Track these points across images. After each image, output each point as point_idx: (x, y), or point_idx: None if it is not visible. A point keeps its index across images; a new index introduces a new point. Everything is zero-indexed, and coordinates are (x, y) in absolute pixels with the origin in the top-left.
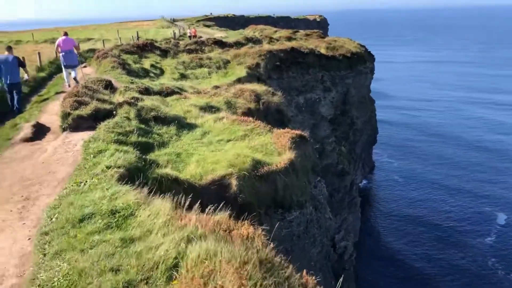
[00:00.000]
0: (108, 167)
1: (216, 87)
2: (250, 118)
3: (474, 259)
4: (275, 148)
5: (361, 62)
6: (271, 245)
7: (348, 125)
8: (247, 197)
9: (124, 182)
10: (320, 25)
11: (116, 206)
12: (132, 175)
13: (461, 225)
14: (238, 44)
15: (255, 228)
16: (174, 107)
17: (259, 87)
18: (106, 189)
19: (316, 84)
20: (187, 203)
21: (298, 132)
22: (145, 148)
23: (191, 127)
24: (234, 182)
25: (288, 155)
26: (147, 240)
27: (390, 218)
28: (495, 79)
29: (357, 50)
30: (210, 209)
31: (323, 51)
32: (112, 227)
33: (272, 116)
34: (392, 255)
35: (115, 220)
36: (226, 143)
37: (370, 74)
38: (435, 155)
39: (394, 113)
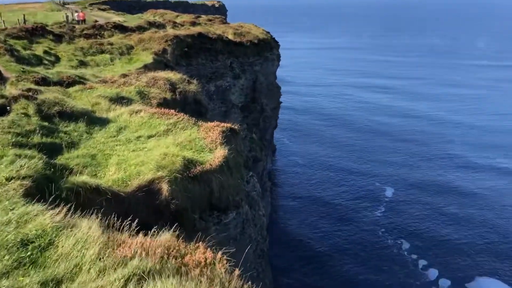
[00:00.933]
0: (8, 179)
1: (125, 75)
2: (172, 111)
3: (367, 231)
4: (205, 144)
5: (268, 48)
6: (236, 271)
7: (259, 112)
8: (181, 202)
9: (33, 198)
10: (219, 11)
11: (27, 234)
12: (41, 187)
13: (356, 202)
14: (140, 29)
15: (213, 252)
16: (79, 99)
17: (173, 75)
18: (10, 209)
19: (226, 71)
20: (114, 217)
21: (228, 125)
22: (52, 150)
23: (103, 122)
24: (164, 186)
25: (221, 152)
26: (77, 281)
27: (294, 200)
28: (384, 64)
29: (264, 36)
30: (152, 230)
31: (231, 37)
32: (25, 265)
33: (189, 107)
34: (298, 238)
35: (28, 254)
36: (147, 140)
37: (277, 61)
38: (330, 138)
39: (292, 98)
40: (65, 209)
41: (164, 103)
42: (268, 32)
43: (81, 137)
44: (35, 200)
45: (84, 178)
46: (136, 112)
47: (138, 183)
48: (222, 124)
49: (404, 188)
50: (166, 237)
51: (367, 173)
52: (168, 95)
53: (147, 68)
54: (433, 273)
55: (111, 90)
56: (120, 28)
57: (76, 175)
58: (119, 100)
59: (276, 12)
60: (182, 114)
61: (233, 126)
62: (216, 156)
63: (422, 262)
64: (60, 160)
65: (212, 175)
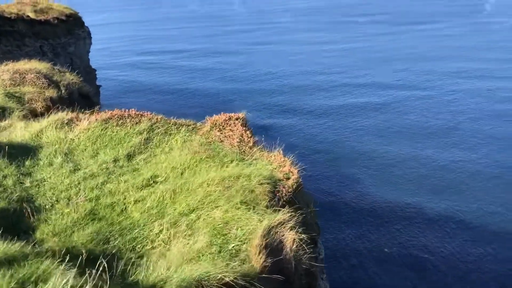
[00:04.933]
0: None
1: None
2: (132, 111)
3: None
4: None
5: (78, 25)
6: None
7: None
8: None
9: None
10: None
11: None
12: None
13: None
14: None
15: None
16: None
17: (38, 64)
18: None
19: (39, 56)
20: None
21: (241, 115)
22: (9, 227)
23: (22, 151)
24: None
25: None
26: None
27: None
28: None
29: (70, 11)
30: None
31: (32, 15)
32: None
33: (78, 104)
34: None
35: None
36: (136, 163)
37: (89, 39)
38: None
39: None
40: None
41: (51, 105)
42: (67, 6)
43: (26, 186)
44: None
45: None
46: (67, 124)
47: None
48: (237, 114)
49: None
50: None
51: None
52: (52, 93)
53: None
54: None
55: None
56: None
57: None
58: None
59: None
60: (148, 113)
61: (242, 115)
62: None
63: None
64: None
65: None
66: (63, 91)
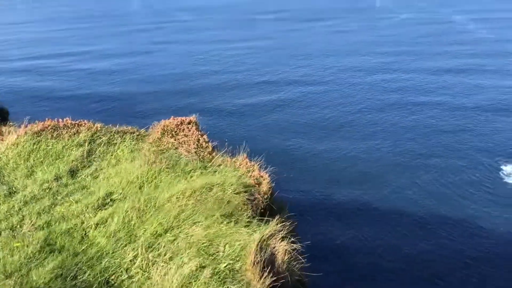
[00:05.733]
0: None
1: None
2: (67, 120)
3: None
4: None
5: None
6: None
7: None
8: None
9: None
10: None
11: None
12: None
13: None
14: None
15: None
16: None
17: None
18: None
19: None
20: None
21: (192, 118)
22: None
23: None
24: None
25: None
26: None
27: None
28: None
29: None
30: None
31: None
32: None
33: None
34: None
35: None
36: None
37: None
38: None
39: None
40: None
41: None
42: None
43: None
44: None
45: None
46: None
47: None
48: (183, 119)
49: None
50: None
51: None
52: None
53: None
54: None
55: None
56: None
57: None
58: None
59: None
60: (86, 121)
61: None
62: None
63: None
64: None
65: None
66: None
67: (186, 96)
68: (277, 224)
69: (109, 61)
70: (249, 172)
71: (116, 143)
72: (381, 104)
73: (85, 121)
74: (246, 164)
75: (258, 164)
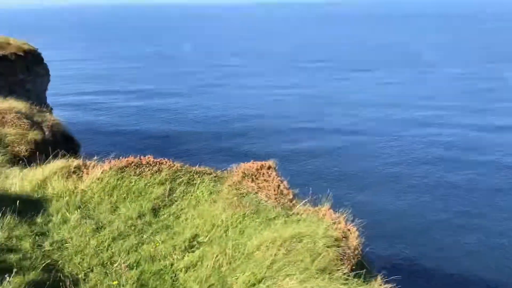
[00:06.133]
0: None
1: None
2: (149, 158)
3: None
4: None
5: (37, 62)
6: None
7: None
8: None
9: None
10: None
11: None
12: None
13: None
14: None
15: None
16: None
17: (17, 103)
18: None
19: None
20: None
21: (270, 163)
22: None
23: (31, 209)
24: None
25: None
26: None
27: None
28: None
29: (28, 47)
30: None
31: None
32: None
33: (60, 146)
34: None
35: None
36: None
37: (47, 76)
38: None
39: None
40: None
41: (36, 148)
42: (29, 44)
43: (46, 249)
44: None
45: None
46: (74, 172)
47: None
48: (263, 163)
49: None
50: None
51: None
52: (36, 135)
53: None
54: None
55: None
56: None
57: None
58: None
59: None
60: (166, 160)
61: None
62: None
63: None
64: None
65: None
66: (46, 133)
67: (242, 139)
68: (380, 284)
69: (160, 100)
70: (334, 223)
71: (195, 183)
72: (426, 157)
73: (166, 159)
74: (331, 215)
75: (344, 216)
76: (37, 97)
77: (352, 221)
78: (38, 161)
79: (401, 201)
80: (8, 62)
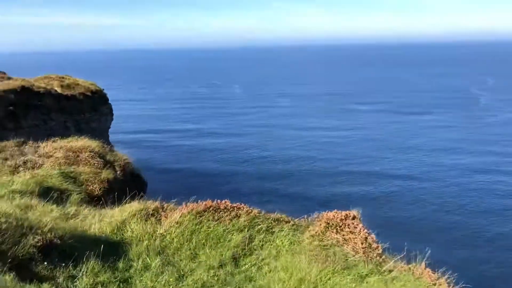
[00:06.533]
0: None
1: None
2: (226, 202)
3: None
4: None
5: (102, 101)
6: None
7: None
8: None
9: None
10: None
11: None
12: None
13: None
14: None
15: None
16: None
17: (91, 142)
18: None
19: (63, 132)
20: None
21: (354, 212)
22: None
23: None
24: None
25: None
26: None
27: None
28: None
29: (95, 88)
30: None
31: (59, 90)
32: None
33: (128, 184)
34: None
35: None
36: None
37: (110, 115)
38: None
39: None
40: None
41: (109, 187)
42: (93, 83)
43: None
44: None
45: None
46: (153, 215)
47: None
48: (347, 213)
49: None
50: None
51: None
52: (108, 174)
53: None
54: None
55: (21, 179)
56: None
57: None
58: (46, 194)
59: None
60: (244, 205)
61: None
62: None
63: None
64: None
65: None
66: (118, 172)
67: (292, 180)
68: None
69: (212, 140)
70: (434, 285)
71: (274, 231)
72: (488, 207)
73: (243, 204)
74: (430, 275)
75: (446, 277)
76: (101, 135)
77: (456, 283)
78: (112, 200)
79: (466, 252)
80: (77, 101)
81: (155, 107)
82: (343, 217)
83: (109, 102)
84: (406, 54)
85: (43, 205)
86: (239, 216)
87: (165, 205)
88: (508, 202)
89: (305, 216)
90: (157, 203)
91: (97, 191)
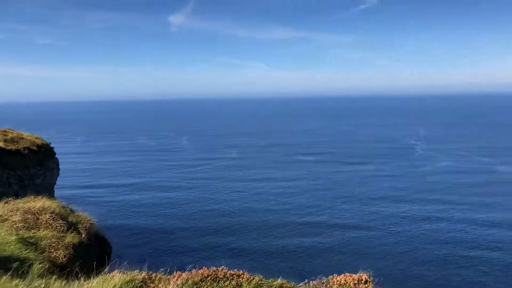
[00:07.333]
0: None
1: None
2: (223, 269)
3: None
4: None
5: (48, 155)
6: None
7: None
8: None
9: None
10: None
11: None
12: None
13: None
14: None
15: None
16: None
17: (50, 202)
18: None
19: (4, 189)
20: None
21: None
22: None
23: None
24: None
25: None
26: None
27: None
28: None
29: (41, 142)
30: None
31: (1, 144)
32: None
33: (93, 249)
34: None
35: None
36: None
37: (57, 170)
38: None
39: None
40: None
41: (75, 254)
42: (39, 137)
43: None
44: None
45: None
46: (141, 287)
47: None
48: (359, 276)
49: None
50: None
51: None
52: (73, 238)
53: None
54: None
55: None
56: None
57: None
58: (4, 264)
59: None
60: (243, 272)
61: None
62: None
63: None
64: None
65: None
66: (83, 235)
67: (240, 235)
68: None
69: (155, 194)
70: None
71: None
72: (427, 256)
73: (242, 271)
74: None
75: None
76: (47, 191)
77: None
78: (79, 267)
79: None
80: (20, 156)
81: (98, 160)
82: (355, 282)
83: (56, 156)
84: (346, 107)
85: (5, 279)
86: (240, 285)
87: (153, 275)
88: (448, 248)
89: (306, 280)
90: (144, 273)
91: (62, 258)
